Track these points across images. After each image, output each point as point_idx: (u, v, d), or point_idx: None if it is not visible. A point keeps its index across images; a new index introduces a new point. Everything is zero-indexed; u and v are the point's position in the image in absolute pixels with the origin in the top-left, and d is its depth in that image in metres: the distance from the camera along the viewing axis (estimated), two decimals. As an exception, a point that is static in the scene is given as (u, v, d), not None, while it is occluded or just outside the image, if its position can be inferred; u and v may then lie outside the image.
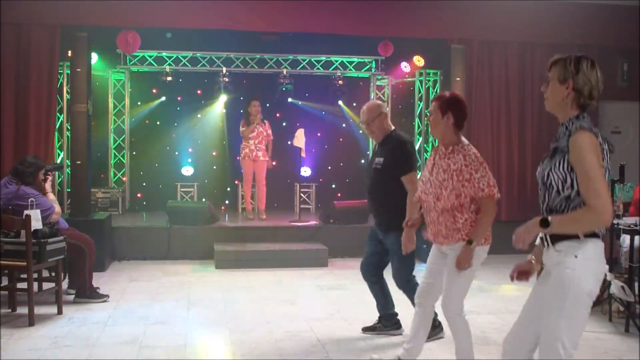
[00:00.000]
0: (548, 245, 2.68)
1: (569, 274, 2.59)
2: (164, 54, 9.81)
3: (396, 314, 5.07)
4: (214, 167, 10.90)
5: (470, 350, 3.90)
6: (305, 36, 9.21)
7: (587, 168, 2.53)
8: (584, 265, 2.58)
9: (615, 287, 4.99)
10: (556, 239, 2.63)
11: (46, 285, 5.83)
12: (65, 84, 8.60)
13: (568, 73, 2.67)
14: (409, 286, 4.75)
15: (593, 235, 2.60)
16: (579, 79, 2.66)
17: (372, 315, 5.58)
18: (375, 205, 4.85)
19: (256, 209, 9.29)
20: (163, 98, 10.36)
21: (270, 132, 9.17)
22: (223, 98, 10.33)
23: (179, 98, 10.55)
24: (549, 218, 2.56)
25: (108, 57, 9.50)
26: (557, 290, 2.64)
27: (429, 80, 10.02)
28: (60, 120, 8.70)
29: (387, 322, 5.03)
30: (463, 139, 3.84)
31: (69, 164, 8.24)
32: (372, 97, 10.98)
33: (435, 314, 4.53)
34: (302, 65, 10.14)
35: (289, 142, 10.14)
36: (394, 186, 4.59)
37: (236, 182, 10.36)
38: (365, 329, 5.05)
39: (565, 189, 2.61)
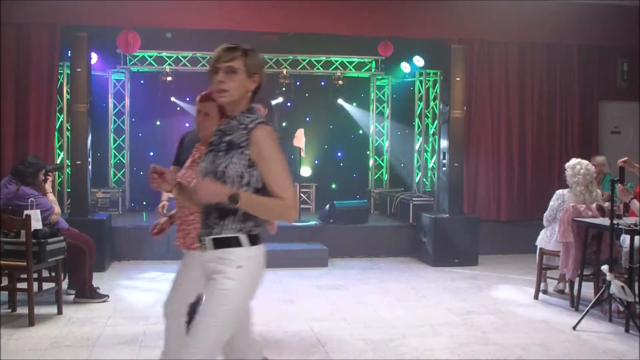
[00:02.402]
0: (207, 247, 2.58)
1: (232, 285, 2.50)
2: (164, 54, 9.80)
3: None
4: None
5: None
6: (305, 36, 9.21)
7: (276, 163, 2.58)
8: (248, 275, 2.54)
9: (615, 287, 4.99)
10: (220, 243, 2.54)
11: (46, 285, 5.82)
12: (65, 84, 8.59)
13: (257, 67, 2.62)
14: None
15: (256, 241, 2.58)
16: (263, 73, 2.65)
17: (372, 315, 5.58)
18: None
19: None
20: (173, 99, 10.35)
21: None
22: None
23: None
24: (240, 192, 2.47)
25: (108, 57, 9.50)
26: (218, 298, 2.51)
27: (429, 80, 10.01)
28: (60, 120, 8.70)
29: None
30: None
31: (69, 164, 8.24)
32: (372, 97, 10.99)
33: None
34: (302, 65, 10.14)
35: (289, 142, 10.14)
36: None
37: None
38: None
39: (241, 186, 2.54)
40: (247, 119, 2.61)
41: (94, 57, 8.80)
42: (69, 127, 8.32)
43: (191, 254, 3.05)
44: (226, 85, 2.56)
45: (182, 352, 2.52)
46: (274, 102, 10.58)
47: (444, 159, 8.28)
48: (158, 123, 10.65)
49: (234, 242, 2.54)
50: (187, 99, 10.64)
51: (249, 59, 2.60)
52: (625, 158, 5.73)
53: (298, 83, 10.47)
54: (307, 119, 10.83)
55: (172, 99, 10.35)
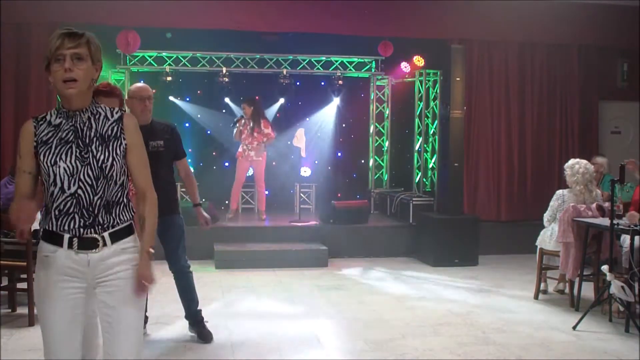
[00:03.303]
0: (104, 244, 2.47)
1: (136, 270, 2.52)
2: (164, 54, 9.80)
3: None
4: (214, 167, 10.89)
5: None
6: (305, 36, 9.20)
7: (144, 152, 2.57)
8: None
9: (615, 287, 4.99)
10: (117, 236, 2.49)
11: (46, 285, 5.82)
12: (65, 84, 8.59)
13: (99, 54, 2.52)
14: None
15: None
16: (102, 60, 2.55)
17: (372, 315, 5.58)
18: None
19: (256, 209, 9.27)
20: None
21: (268, 131, 9.07)
22: (223, 99, 10.33)
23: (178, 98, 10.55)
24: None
25: (108, 57, 9.49)
26: (131, 287, 2.51)
27: (429, 80, 10.01)
28: (60, 120, 8.70)
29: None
30: None
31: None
32: (372, 97, 10.98)
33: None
34: (302, 65, 10.14)
35: (289, 142, 10.14)
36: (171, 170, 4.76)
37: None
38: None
39: (120, 177, 2.51)
40: (109, 111, 2.54)
41: (94, 57, 8.80)
42: (69, 127, 8.32)
43: None
44: (75, 75, 2.45)
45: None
46: (277, 104, 10.61)
47: (444, 159, 8.28)
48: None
49: None
50: (188, 99, 10.65)
51: (93, 46, 2.52)
52: (632, 160, 5.74)
53: (298, 83, 10.47)
54: (307, 119, 10.83)
55: (171, 98, 10.38)
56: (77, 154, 2.43)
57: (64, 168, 2.42)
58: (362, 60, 10.31)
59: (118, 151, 2.48)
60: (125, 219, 2.53)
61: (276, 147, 9.94)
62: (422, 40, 9.15)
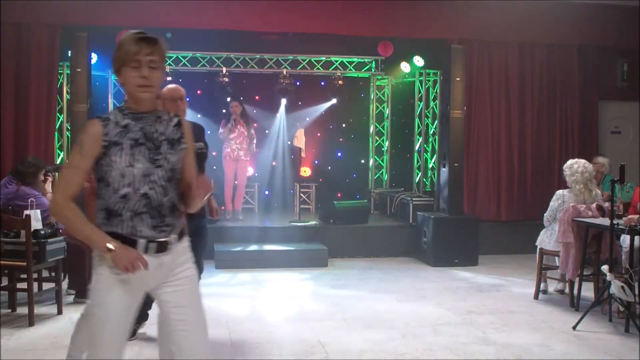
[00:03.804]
0: (173, 245, 2.53)
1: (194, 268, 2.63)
2: (164, 54, 9.80)
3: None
4: (214, 167, 10.89)
5: None
6: (305, 36, 9.20)
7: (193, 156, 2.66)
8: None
9: (615, 287, 4.99)
10: (181, 237, 2.58)
11: (46, 285, 5.83)
12: (65, 84, 8.59)
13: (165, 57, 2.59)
14: None
15: None
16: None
17: (372, 315, 5.58)
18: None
19: (233, 208, 9.22)
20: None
21: (253, 132, 9.17)
22: (223, 98, 10.32)
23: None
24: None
25: (108, 57, 9.47)
26: (196, 285, 2.65)
27: (429, 80, 10.01)
28: (60, 120, 8.70)
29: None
30: None
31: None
32: (372, 97, 10.99)
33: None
34: (302, 65, 10.14)
35: (289, 142, 10.14)
36: None
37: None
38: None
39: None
40: (168, 115, 2.60)
41: (94, 57, 8.80)
42: (69, 127, 8.32)
43: None
44: (150, 81, 2.48)
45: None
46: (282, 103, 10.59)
47: (444, 159, 8.28)
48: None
49: None
50: (188, 98, 10.62)
51: (164, 51, 2.58)
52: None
53: (298, 83, 10.47)
54: (307, 119, 10.83)
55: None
56: (149, 156, 2.46)
57: (140, 169, 2.44)
58: (362, 60, 10.31)
59: (181, 154, 2.55)
60: (180, 218, 2.60)
61: (276, 147, 9.95)
62: (422, 40, 9.15)
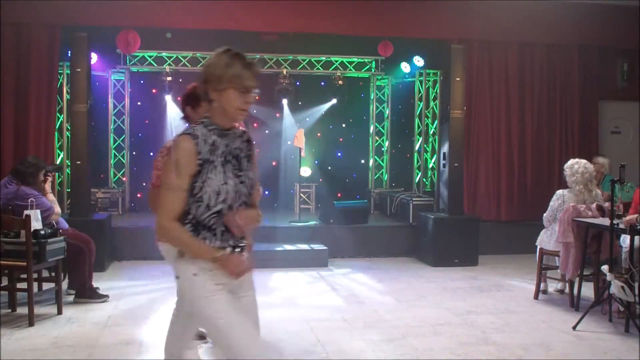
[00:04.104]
0: (242, 250, 2.63)
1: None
2: (164, 54, 9.80)
3: None
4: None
5: None
6: (305, 36, 9.20)
7: None
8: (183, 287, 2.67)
9: (615, 287, 4.99)
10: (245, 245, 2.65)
11: (46, 285, 5.83)
12: (65, 84, 8.59)
13: None
14: None
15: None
16: None
17: (372, 315, 5.58)
18: None
19: None
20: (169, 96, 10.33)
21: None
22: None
23: (178, 98, 10.51)
24: None
25: (108, 57, 9.49)
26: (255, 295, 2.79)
27: (429, 80, 10.01)
28: (60, 120, 8.70)
29: None
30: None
31: (69, 164, 8.24)
32: (372, 97, 10.98)
33: None
34: (302, 65, 10.14)
35: (289, 142, 10.14)
36: None
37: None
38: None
39: None
40: (238, 130, 2.64)
41: (94, 57, 8.80)
42: (69, 127, 8.32)
43: None
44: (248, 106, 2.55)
45: None
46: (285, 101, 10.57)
47: (444, 159, 8.28)
48: (159, 123, 10.64)
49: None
50: (179, 98, 10.62)
51: None
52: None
53: (298, 83, 10.47)
54: (307, 119, 10.82)
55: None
56: (234, 173, 2.52)
57: (232, 187, 2.50)
58: (362, 60, 10.31)
59: (252, 169, 2.61)
60: None
61: (276, 147, 9.95)
62: (422, 40, 9.15)
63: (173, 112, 10.63)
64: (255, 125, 9.90)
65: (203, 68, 2.59)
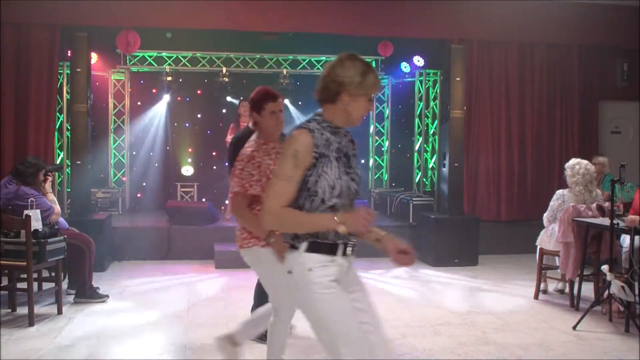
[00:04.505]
0: (353, 250, 2.68)
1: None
2: (164, 54, 9.81)
3: None
4: (214, 167, 10.90)
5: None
6: (305, 36, 9.21)
7: None
8: (296, 280, 2.68)
9: (615, 287, 4.99)
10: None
11: (46, 285, 5.83)
12: (65, 84, 8.59)
13: None
14: None
15: (311, 249, 2.66)
16: None
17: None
18: None
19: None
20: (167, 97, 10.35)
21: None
22: (223, 98, 10.34)
23: (178, 98, 10.55)
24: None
25: (108, 57, 9.50)
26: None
27: (429, 80, 10.02)
28: (60, 120, 8.70)
29: None
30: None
31: (69, 164, 8.24)
32: (372, 97, 10.97)
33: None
34: (302, 65, 10.14)
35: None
36: None
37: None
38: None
39: None
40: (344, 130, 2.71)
41: (94, 57, 8.80)
42: (69, 127, 8.33)
43: None
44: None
45: None
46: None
47: (444, 159, 8.28)
48: (159, 123, 10.66)
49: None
50: (187, 98, 10.65)
51: None
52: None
53: (298, 83, 10.47)
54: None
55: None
56: (345, 170, 2.59)
57: (345, 182, 2.56)
58: (362, 60, 10.30)
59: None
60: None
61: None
62: (422, 40, 9.15)
63: (172, 112, 10.65)
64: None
65: (332, 70, 2.68)
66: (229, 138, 8.87)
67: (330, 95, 2.62)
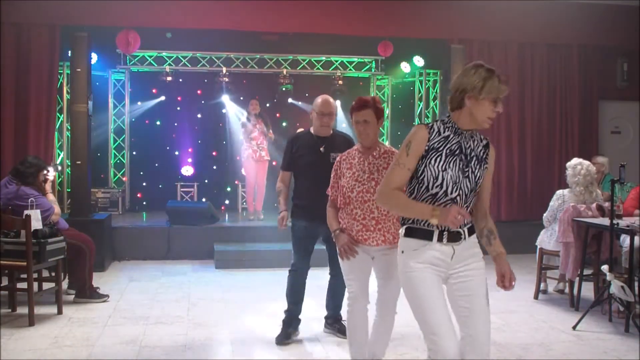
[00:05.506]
0: (464, 237, 2.88)
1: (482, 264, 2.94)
2: (164, 54, 9.81)
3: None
4: (214, 167, 10.90)
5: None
6: (305, 36, 9.21)
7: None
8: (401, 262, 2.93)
9: (615, 287, 4.99)
10: (470, 232, 2.94)
11: (46, 285, 5.82)
12: (65, 84, 8.60)
13: None
14: None
15: (409, 234, 2.91)
16: None
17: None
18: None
19: (254, 209, 9.26)
20: (162, 97, 10.35)
21: (271, 131, 9.10)
22: (223, 98, 10.33)
23: (179, 98, 10.55)
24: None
25: (108, 57, 9.50)
26: (484, 278, 2.91)
27: (429, 80, 10.02)
28: (60, 120, 8.70)
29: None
30: None
31: (69, 164, 8.24)
32: (372, 97, 10.98)
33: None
34: (302, 65, 10.15)
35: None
36: None
37: (236, 182, 10.37)
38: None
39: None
40: (478, 135, 2.95)
41: (94, 57, 8.80)
42: (69, 127, 8.33)
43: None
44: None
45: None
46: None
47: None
48: (158, 123, 10.67)
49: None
50: (187, 98, 10.65)
51: None
52: None
53: (298, 83, 10.47)
54: (307, 118, 10.83)
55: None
56: (460, 167, 2.81)
57: (451, 176, 2.79)
58: (362, 60, 10.32)
59: (483, 172, 2.90)
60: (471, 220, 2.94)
61: (276, 147, 9.93)
62: (422, 40, 9.15)
63: (172, 112, 10.66)
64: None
65: (457, 79, 2.90)
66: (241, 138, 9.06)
67: (457, 102, 2.87)
